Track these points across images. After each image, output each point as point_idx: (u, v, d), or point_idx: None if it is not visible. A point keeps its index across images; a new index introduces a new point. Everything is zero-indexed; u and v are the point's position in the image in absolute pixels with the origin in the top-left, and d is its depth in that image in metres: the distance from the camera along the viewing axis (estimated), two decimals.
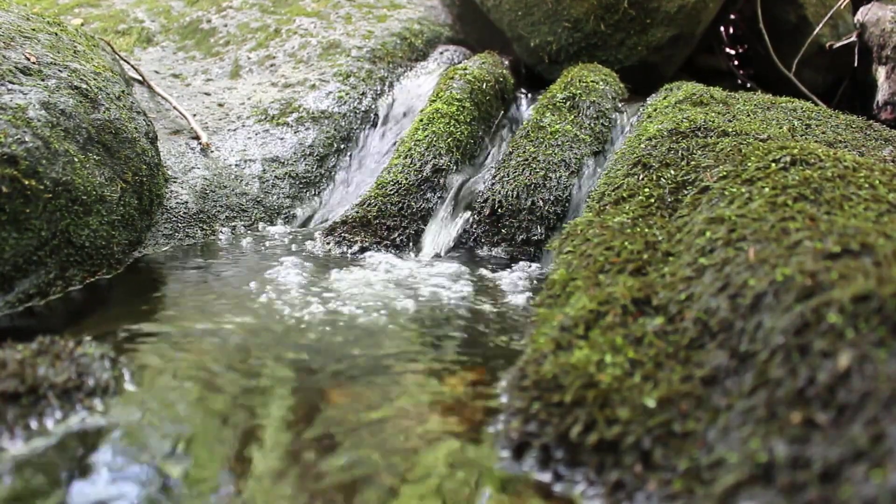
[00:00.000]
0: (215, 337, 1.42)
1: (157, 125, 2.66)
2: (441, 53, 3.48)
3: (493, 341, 1.50)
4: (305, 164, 2.76)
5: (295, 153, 2.76)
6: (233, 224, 2.38)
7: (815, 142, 1.94)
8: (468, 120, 2.70)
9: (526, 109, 3.07)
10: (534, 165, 2.36)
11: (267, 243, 2.25)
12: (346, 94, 3.06)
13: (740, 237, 1.23)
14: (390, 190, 2.37)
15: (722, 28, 4.21)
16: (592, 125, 2.64)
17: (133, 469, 0.96)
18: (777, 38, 3.79)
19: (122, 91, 2.22)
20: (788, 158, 1.50)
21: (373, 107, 3.08)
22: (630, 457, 0.93)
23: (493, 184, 2.34)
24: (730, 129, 1.97)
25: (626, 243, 1.48)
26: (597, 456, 0.95)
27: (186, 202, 2.31)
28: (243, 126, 2.86)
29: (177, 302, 1.67)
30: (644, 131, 2.14)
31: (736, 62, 4.27)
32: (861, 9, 3.49)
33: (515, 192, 2.28)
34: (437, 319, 1.61)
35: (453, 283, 1.89)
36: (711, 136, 1.95)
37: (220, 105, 3.02)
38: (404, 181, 2.40)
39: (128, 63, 2.95)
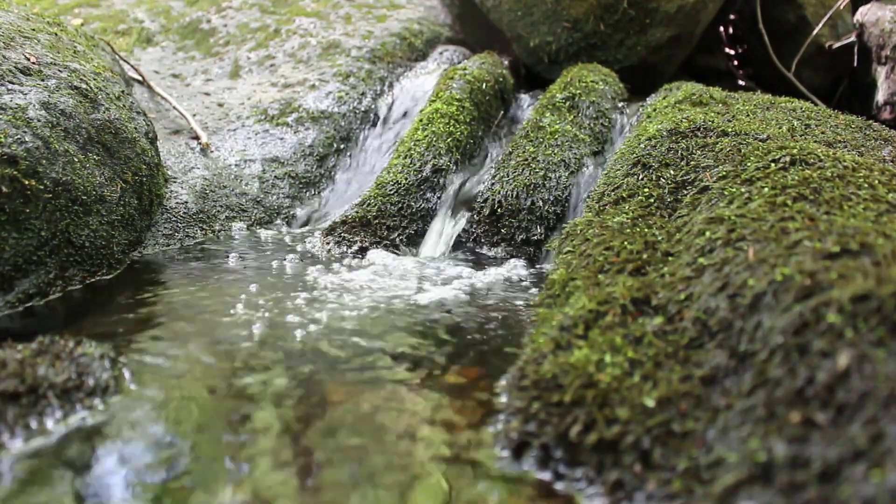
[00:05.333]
0: (215, 336, 1.42)
1: (157, 125, 2.66)
2: (441, 53, 3.48)
3: (492, 341, 1.50)
4: (305, 164, 2.76)
5: (295, 153, 2.76)
6: (232, 224, 2.38)
7: (815, 142, 1.94)
8: (468, 120, 2.70)
9: (525, 109, 3.07)
10: (533, 165, 2.36)
11: (266, 243, 2.25)
12: (346, 94, 3.06)
13: (740, 237, 1.23)
14: (390, 190, 2.37)
15: (721, 28, 4.21)
16: (592, 125, 2.64)
17: (133, 468, 0.96)
18: (776, 38, 3.79)
19: (122, 91, 2.22)
20: (788, 158, 1.50)
21: (372, 107, 3.08)
22: (629, 456, 0.93)
23: (492, 184, 2.34)
24: (729, 129, 1.97)
25: (626, 243, 1.48)
26: (596, 455, 0.95)
27: (186, 202, 2.31)
28: (243, 126, 2.86)
29: (177, 301, 1.67)
30: (643, 131, 2.14)
31: (735, 62, 4.28)
32: (860, 9, 3.49)
33: (515, 192, 2.29)
34: (436, 319, 1.61)
35: (453, 283, 1.89)
36: (711, 136, 1.95)
37: (220, 105, 3.02)
38: (404, 181, 2.40)
39: (128, 63, 2.95)
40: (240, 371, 1.27)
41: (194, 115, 2.88)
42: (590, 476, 0.94)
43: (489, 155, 2.75)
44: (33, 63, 1.89)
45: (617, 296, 1.24)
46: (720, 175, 1.60)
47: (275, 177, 2.65)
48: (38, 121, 1.70)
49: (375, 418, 1.12)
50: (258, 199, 2.54)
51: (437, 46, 3.61)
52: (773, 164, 1.50)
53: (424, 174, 2.44)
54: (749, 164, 1.55)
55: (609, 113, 2.74)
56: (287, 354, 1.35)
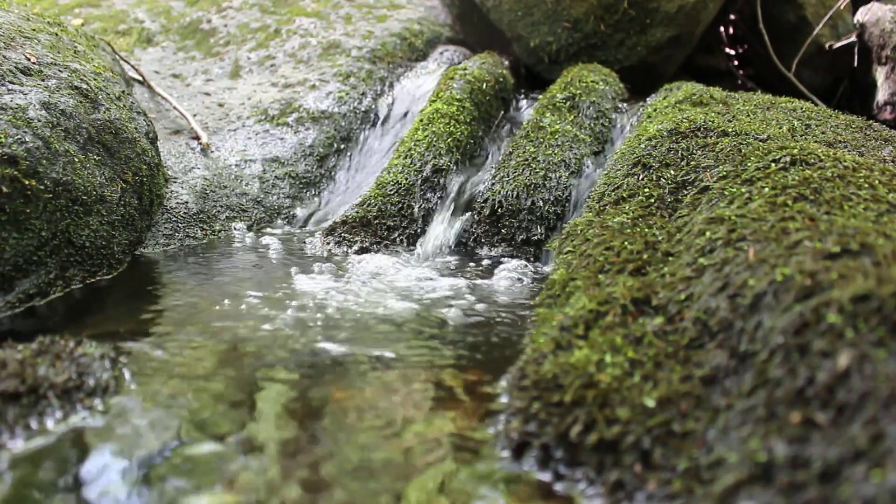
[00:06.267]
0: (215, 336, 1.43)
1: (158, 125, 2.66)
2: (441, 53, 3.48)
3: (492, 341, 1.50)
4: (305, 165, 2.76)
5: (295, 153, 2.76)
6: (233, 224, 2.38)
7: (815, 142, 1.94)
8: (468, 120, 2.70)
9: (526, 110, 3.07)
10: (534, 165, 2.36)
11: (267, 243, 2.25)
12: (346, 94, 3.06)
13: (740, 237, 1.23)
14: (390, 190, 2.37)
15: (721, 28, 4.21)
16: (592, 125, 2.64)
17: (133, 468, 0.96)
18: (777, 38, 3.79)
19: (123, 91, 2.22)
20: (788, 158, 1.50)
21: (373, 107, 3.08)
22: (630, 456, 0.93)
23: (493, 184, 2.34)
24: (729, 130, 1.97)
25: (626, 243, 1.48)
26: (597, 455, 0.95)
27: (186, 202, 2.31)
28: (243, 126, 2.86)
29: (177, 302, 1.67)
30: (644, 131, 2.14)
31: (735, 62, 4.28)
32: (861, 9, 3.49)
33: (515, 193, 2.29)
34: (436, 319, 1.61)
35: (453, 283, 1.89)
36: (711, 137, 1.95)
37: (221, 105, 3.02)
38: (404, 181, 2.40)
39: (128, 63, 2.96)
40: (240, 370, 1.27)
41: (195, 115, 2.88)
42: (590, 476, 0.94)
43: (489, 155, 2.75)
44: (34, 63, 1.89)
45: (617, 296, 1.24)
46: (720, 175, 1.60)
47: (275, 177, 2.65)
48: (39, 121, 1.70)
49: (376, 418, 1.12)
50: (258, 200, 2.54)
51: (438, 46, 3.61)
52: (773, 165, 1.50)
53: (425, 174, 2.44)
54: (749, 164, 1.55)
55: (609, 113, 2.74)
56: (288, 354, 1.35)
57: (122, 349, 1.32)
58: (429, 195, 2.41)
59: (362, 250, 2.18)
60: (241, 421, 1.10)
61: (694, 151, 1.89)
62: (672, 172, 1.83)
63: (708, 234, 1.32)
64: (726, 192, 1.48)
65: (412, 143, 2.55)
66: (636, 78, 3.16)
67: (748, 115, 2.18)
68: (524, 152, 2.42)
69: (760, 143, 1.72)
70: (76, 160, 1.76)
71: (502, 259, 2.19)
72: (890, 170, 1.46)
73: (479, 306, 1.72)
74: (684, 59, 3.54)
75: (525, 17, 3.34)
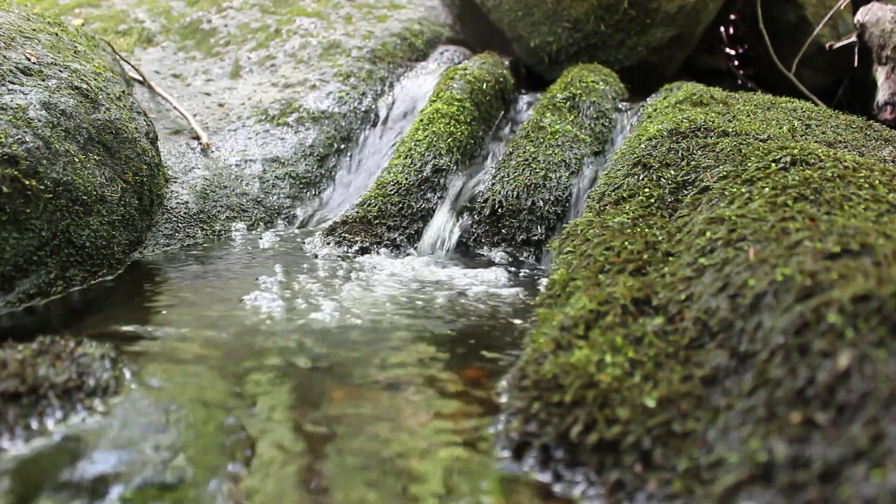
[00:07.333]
0: (215, 336, 1.42)
1: (158, 125, 2.66)
2: (441, 53, 3.48)
3: (492, 341, 1.50)
4: (306, 165, 2.76)
5: (295, 153, 2.76)
6: (233, 224, 2.38)
7: (815, 142, 1.94)
8: (468, 120, 2.70)
9: (526, 110, 3.07)
10: (534, 165, 2.36)
11: (267, 243, 2.25)
12: (347, 94, 3.06)
13: (740, 237, 1.23)
14: (390, 190, 2.37)
15: (722, 28, 4.21)
16: (592, 125, 2.64)
17: (133, 469, 0.96)
18: (777, 38, 3.79)
19: (123, 91, 2.22)
20: (788, 158, 1.50)
21: (373, 107, 3.08)
22: (630, 457, 0.93)
23: (493, 184, 2.34)
24: (730, 130, 1.97)
25: (627, 243, 1.48)
26: (597, 456, 0.95)
27: (187, 202, 2.31)
28: (243, 126, 2.86)
29: (177, 302, 1.67)
30: (644, 131, 2.14)
31: (736, 62, 4.28)
32: (861, 9, 3.49)
33: (515, 193, 2.28)
34: (436, 319, 1.61)
35: (453, 283, 1.89)
36: (711, 137, 1.95)
37: (221, 105, 3.02)
38: (404, 181, 2.40)
39: (128, 63, 2.96)
40: (240, 371, 1.27)
41: (195, 116, 2.88)
42: (590, 477, 0.94)
43: (489, 155, 2.75)
44: (34, 63, 1.89)
45: (617, 296, 1.24)
46: (721, 175, 1.60)
47: (275, 177, 2.65)
48: (39, 121, 1.70)
49: (375, 418, 1.12)
50: (259, 200, 2.54)
51: (438, 46, 3.61)
52: (773, 165, 1.50)
53: (425, 174, 2.44)
54: (750, 164, 1.55)
55: (609, 113, 2.74)
56: (287, 354, 1.35)
57: (122, 349, 1.32)
58: (429, 195, 2.41)
59: (362, 250, 2.18)
60: (242, 420, 1.10)
61: (694, 151, 1.89)
62: (672, 172, 1.83)
63: (708, 234, 1.32)
64: (726, 192, 1.48)
65: (412, 143, 2.55)
66: (636, 78, 3.16)
67: (748, 115, 2.18)
68: (524, 152, 2.42)
69: (761, 143, 1.72)
70: (76, 160, 1.76)
71: (502, 259, 2.19)
72: (890, 170, 1.46)
73: (479, 306, 1.72)
74: (685, 59, 3.54)
75: (525, 17, 3.34)
